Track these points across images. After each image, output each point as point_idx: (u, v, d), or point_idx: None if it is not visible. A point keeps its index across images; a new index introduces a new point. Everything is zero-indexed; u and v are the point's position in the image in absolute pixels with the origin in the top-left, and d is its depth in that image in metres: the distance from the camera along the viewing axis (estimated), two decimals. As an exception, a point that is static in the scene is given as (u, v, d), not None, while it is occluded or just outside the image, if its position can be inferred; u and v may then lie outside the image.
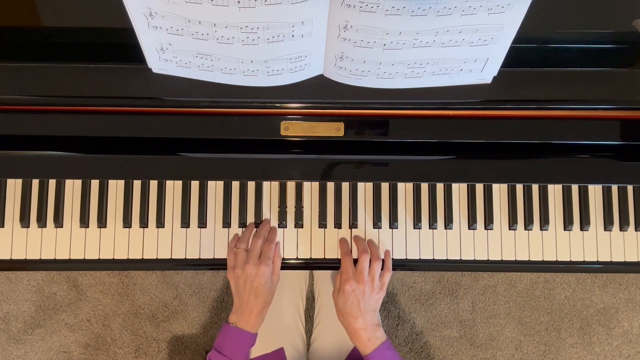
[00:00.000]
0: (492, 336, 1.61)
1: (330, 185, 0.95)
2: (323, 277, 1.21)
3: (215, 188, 0.95)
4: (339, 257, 0.94)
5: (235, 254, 0.90)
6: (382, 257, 0.92)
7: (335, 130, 0.91)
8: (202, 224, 0.94)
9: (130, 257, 0.94)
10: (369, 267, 0.88)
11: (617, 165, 0.93)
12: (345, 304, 0.87)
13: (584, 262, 0.95)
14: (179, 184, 0.95)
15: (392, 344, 0.89)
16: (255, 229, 0.93)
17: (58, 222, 0.93)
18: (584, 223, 0.95)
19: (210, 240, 0.95)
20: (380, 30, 0.74)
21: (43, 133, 0.90)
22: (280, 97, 0.87)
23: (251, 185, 0.95)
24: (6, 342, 1.58)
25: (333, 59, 0.81)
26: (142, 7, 0.73)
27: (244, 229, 0.94)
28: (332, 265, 0.95)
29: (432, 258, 0.95)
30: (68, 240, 0.94)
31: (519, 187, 0.95)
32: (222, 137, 0.91)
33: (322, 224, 0.94)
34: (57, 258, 0.93)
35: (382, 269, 0.90)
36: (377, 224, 0.94)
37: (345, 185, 0.95)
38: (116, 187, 0.94)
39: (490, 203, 0.95)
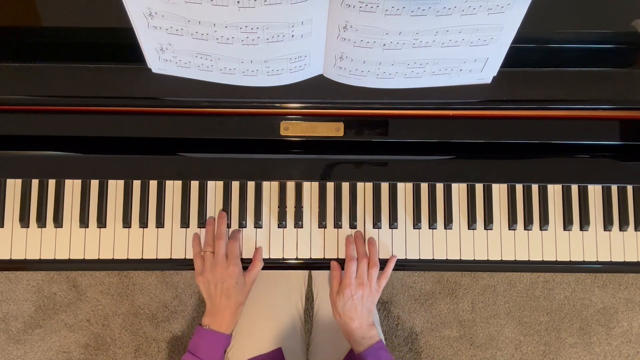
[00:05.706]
0: (491, 336, 1.61)
1: (330, 185, 0.95)
2: (322, 277, 1.21)
3: (215, 188, 0.95)
4: (342, 258, 0.94)
5: (203, 258, 0.91)
6: (388, 258, 0.94)
7: (335, 130, 0.91)
8: (202, 224, 0.94)
9: (129, 257, 0.94)
10: (367, 272, 0.90)
11: (617, 165, 0.93)
12: (344, 307, 0.89)
13: (583, 262, 0.95)
14: (178, 184, 0.95)
15: (384, 344, 0.90)
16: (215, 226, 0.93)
17: (58, 222, 0.93)
18: (584, 223, 0.95)
19: (210, 240, 0.94)
20: (380, 30, 0.74)
21: (43, 133, 0.90)
22: (280, 97, 0.87)
23: (251, 185, 0.95)
24: (6, 342, 1.58)
25: (333, 59, 0.81)
26: (142, 7, 0.73)
27: (232, 229, 0.94)
28: (331, 265, 0.95)
29: (431, 258, 0.95)
30: (68, 241, 0.94)
31: (519, 187, 0.95)
32: (222, 137, 0.91)
33: (322, 224, 0.94)
34: (56, 258, 0.93)
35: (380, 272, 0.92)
36: (376, 224, 0.94)
37: (345, 185, 0.95)
38: (116, 187, 0.94)
39: (490, 203, 0.95)
